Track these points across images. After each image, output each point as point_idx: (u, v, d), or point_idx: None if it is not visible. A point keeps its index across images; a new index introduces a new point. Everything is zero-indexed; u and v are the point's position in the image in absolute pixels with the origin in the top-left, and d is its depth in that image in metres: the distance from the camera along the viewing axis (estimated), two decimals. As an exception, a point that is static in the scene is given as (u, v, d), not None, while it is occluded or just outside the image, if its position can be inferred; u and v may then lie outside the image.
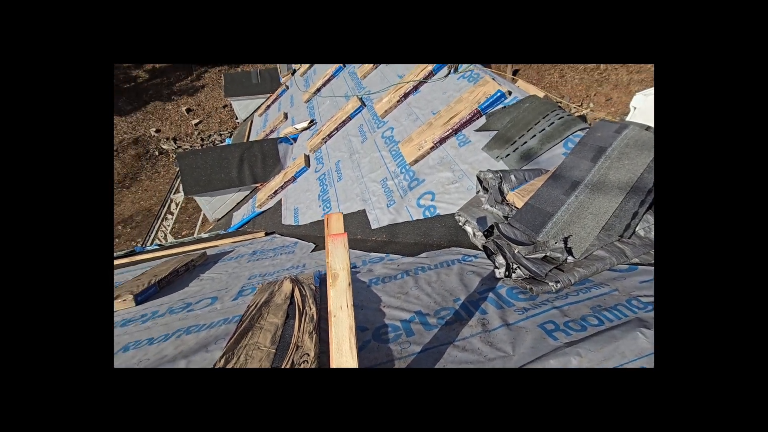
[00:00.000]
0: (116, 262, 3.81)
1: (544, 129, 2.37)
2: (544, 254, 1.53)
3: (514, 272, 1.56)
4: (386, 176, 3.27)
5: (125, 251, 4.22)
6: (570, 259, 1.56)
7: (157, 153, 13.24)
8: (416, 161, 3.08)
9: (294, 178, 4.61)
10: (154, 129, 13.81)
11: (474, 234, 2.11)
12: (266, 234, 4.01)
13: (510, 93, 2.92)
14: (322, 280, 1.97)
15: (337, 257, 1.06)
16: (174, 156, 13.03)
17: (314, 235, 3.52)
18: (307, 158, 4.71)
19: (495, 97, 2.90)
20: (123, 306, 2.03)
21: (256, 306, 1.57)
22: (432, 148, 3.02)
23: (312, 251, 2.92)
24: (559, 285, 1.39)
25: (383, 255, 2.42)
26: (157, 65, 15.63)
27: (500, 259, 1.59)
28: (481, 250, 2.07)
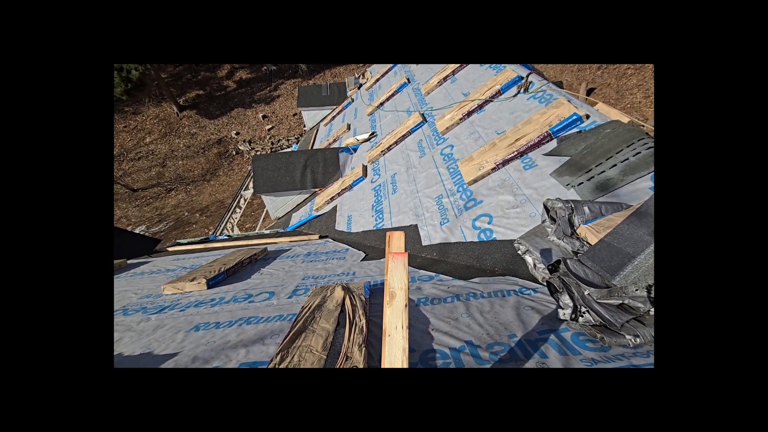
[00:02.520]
0: (193, 247, 4.31)
1: (627, 159, 2.13)
2: (620, 301, 1.35)
3: (582, 316, 1.40)
4: (442, 193, 3.23)
5: (201, 238, 4.76)
6: (653, 311, 1.35)
7: (234, 153, 14.87)
8: (475, 181, 2.98)
9: (351, 187, 4.77)
10: (235, 132, 15.56)
11: (535, 266, 1.95)
12: (320, 237, 4.19)
13: (587, 117, 2.69)
14: (371, 292, 1.98)
15: (397, 276, 1.06)
16: (250, 156, 14.48)
17: (364, 243, 3.58)
18: (365, 168, 4.85)
19: (570, 120, 2.69)
20: (197, 288, 2.27)
21: (309, 309, 1.64)
22: (493, 169, 2.90)
23: (362, 260, 2.96)
24: (638, 340, 1.21)
25: (432, 274, 2.37)
26: (245, 76, 17.66)
27: (566, 299, 1.44)
28: (540, 284, 1.91)
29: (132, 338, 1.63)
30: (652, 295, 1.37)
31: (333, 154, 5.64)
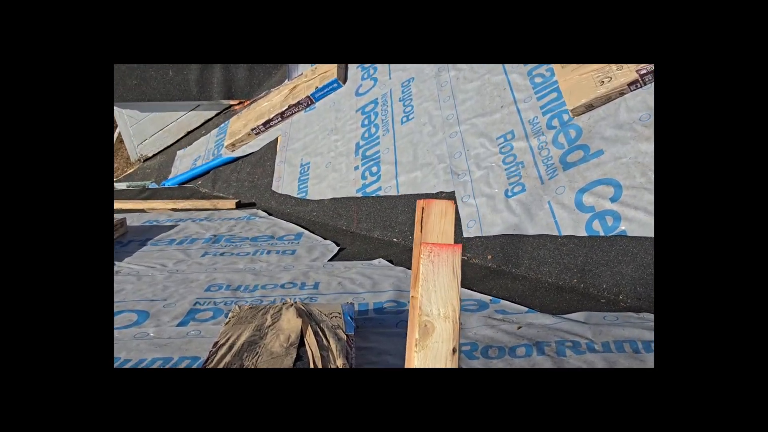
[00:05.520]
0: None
1: None
2: None
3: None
4: (513, 129, 3.27)
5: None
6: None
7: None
8: (590, 107, 3.00)
9: (311, 101, 4.77)
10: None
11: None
12: (239, 205, 4.20)
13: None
14: (358, 324, 2.05)
15: (437, 292, 1.11)
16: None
17: (336, 225, 3.65)
18: (343, 66, 4.84)
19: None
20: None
21: (229, 349, 1.72)
22: (633, 84, 2.91)
23: (333, 258, 3.04)
24: None
25: (486, 298, 2.46)
26: None
27: None
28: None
29: None
30: None
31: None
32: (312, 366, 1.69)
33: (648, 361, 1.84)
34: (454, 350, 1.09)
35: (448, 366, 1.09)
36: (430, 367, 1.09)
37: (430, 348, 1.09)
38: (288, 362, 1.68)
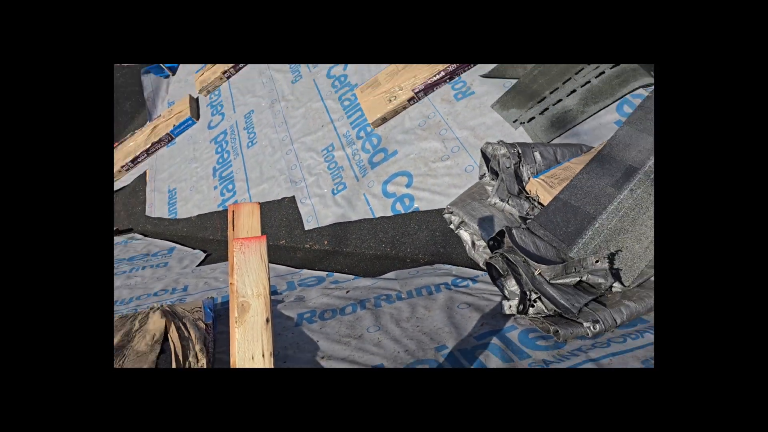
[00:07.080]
0: None
1: (589, 82, 2.55)
2: (578, 278, 1.65)
3: (533, 306, 1.67)
4: (333, 142, 3.34)
5: None
6: (617, 286, 1.69)
7: None
8: (384, 120, 3.14)
9: (171, 137, 4.57)
10: None
11: (473, 244, 2.21)
12: (119, 232, 4.00)
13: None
14: (218, 314, 1.99)
15: (249, 276, 1.11)
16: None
17: (204, 236, 3.54)
18: (194, 103, 4.67)
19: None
20: None
21: None
22: (411, 100, 3.09)
23: (200, 264, 2.96)
24: (598, 327, 1.52)
25: (323, 274, 2.49)
26: None
27: (512, 285, 1.69)
28: (481, 269, 2.18)
29: None
30: (615, 266, 1.72)
31: (130, 77, 5.17)
32: (174, 354, 1.61)
33: (438, 299, 1.96)
34: (267, 321, 1.09)
35: (264, 333, 1.08)
36: (249, 337, 1.08)
37: (248, 322, 1.09)
38: (152, 357, 1.60)
